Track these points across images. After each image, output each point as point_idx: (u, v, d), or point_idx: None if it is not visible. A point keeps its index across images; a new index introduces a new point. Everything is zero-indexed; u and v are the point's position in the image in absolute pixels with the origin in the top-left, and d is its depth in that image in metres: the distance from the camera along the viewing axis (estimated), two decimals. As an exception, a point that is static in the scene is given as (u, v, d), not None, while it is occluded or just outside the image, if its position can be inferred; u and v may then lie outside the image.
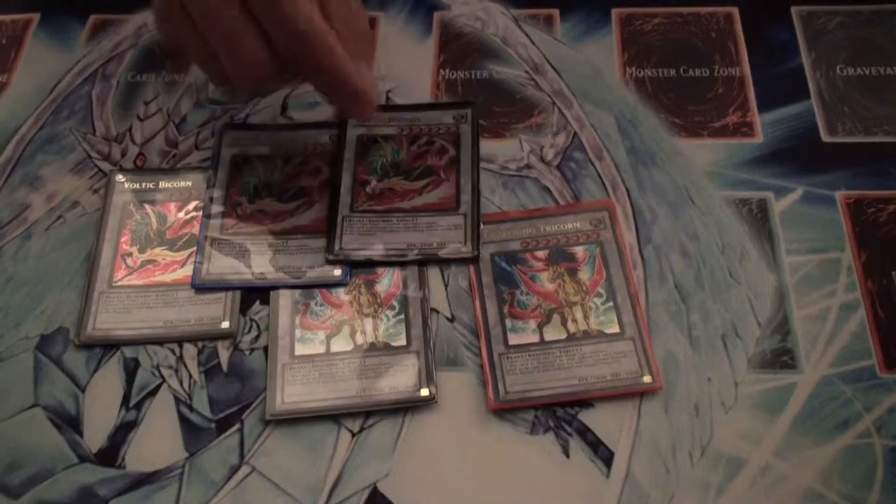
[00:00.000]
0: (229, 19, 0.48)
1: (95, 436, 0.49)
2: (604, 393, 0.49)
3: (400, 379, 0.50)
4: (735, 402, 0.49)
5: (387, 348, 0.51)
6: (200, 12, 0.48)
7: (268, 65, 0.49)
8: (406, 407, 0.49)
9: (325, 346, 0.51)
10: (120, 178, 0.58)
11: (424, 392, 0.49)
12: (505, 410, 0.49)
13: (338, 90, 0.51)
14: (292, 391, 0.49)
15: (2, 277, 0.55)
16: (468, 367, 0.50)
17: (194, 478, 0.47)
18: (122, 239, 0.56)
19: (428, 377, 0.50)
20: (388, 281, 0.54)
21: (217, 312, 0.52)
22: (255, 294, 0.53)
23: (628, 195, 0.57)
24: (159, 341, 0.52)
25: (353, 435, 0.48)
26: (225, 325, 0.52)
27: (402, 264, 0.54)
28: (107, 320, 0.52)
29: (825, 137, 0.59)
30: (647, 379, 0.49)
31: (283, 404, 0.49)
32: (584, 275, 0.53)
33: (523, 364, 0.50)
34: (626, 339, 0.50)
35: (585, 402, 0.49)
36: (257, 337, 0.52)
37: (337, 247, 0.54)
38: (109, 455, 0.48)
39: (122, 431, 0.49)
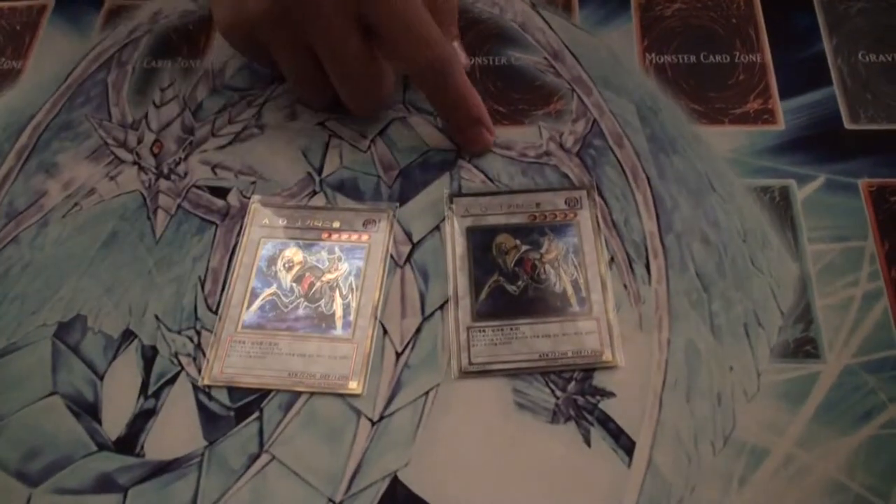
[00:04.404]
0: (354, 59, 0.53)
1: (114, 424, 0.49)
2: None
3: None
4: (757, 392, 0.48)
5: None
6: (326, 53, 0.53)
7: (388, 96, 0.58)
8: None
9: None
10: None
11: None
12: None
13: (460, 117, 0.57)
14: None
15: (19, 265, 0.55)
16: (488, 355, 0.50)
17: (214, 466, 0.47)
18: None
19: None
20: None
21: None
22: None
23: (648, 182, 0.56)
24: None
25: (373, 423, 0.48)
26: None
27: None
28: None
29: (848, 125, 0.58)
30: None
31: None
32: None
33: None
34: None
35: (607, 392, 0.48)
36: (276, 325, 0.51)
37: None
38: (128, 443, 0.48)
39: (141, 419, 0.49)
